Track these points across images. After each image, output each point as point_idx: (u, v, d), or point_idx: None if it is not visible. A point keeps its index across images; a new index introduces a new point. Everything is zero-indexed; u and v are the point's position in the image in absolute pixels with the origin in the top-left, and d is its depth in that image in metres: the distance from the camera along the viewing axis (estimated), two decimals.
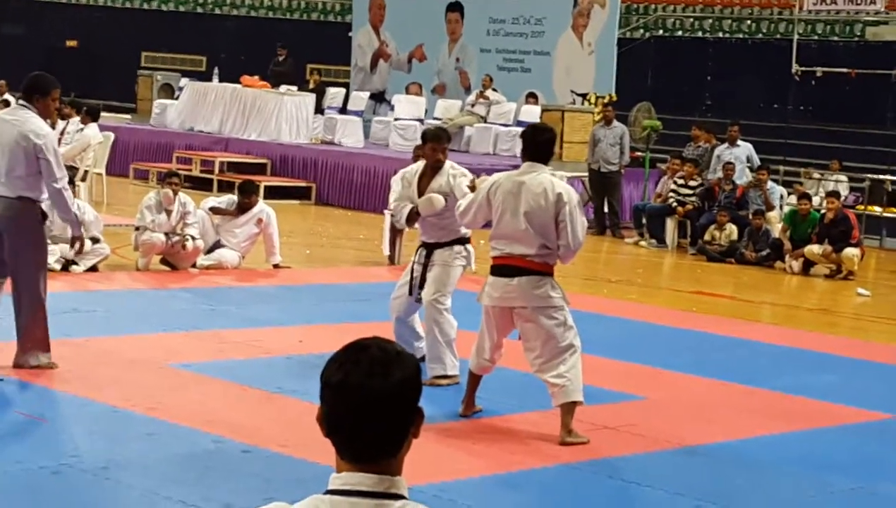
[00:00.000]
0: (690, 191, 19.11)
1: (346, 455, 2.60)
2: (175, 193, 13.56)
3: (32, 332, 8.83)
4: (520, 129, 22.87)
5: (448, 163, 9.30)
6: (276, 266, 14.16)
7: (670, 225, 19.15)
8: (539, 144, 8.10)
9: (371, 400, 2.57)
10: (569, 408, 7.90)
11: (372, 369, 2.58)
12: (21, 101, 8.86)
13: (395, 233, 15.05)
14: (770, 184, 19.05)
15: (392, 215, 15.08)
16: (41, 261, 8.99)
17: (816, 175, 21.62)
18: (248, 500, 6.20)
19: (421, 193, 9.27)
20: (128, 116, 26.67)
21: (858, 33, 25.32)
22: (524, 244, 7.87)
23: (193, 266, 13.68)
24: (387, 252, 15.20)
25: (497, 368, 9.60)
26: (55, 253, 12.88)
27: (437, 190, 9.14)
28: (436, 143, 9.29)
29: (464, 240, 9.26)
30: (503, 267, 7.94)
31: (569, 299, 8.06)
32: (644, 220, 19.53)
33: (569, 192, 7.93)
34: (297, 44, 28.10)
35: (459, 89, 26.58)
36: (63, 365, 8.95)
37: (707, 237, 18.30)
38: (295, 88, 24.64)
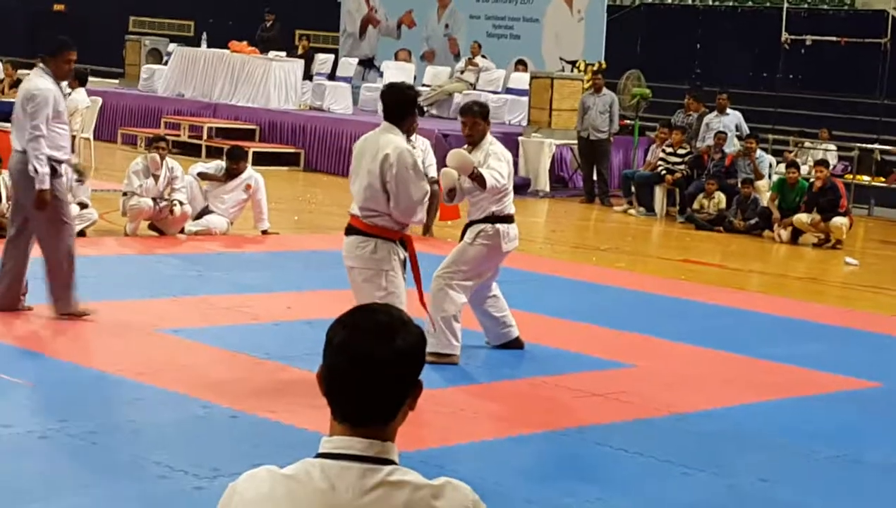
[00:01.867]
0: (679, 160, 19.11)
1: (339, 417, 2.60)
2: (162, 158, 13.51)
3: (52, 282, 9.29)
4: (510, 97, 23.03)
5: (488, 139, 8.97)
6: (264, 232, 14.13)
7: (659, 193, 19.16)
8: (391, 104, 8.00)
9: (371, 363, 2.56)
10: None
11: (376, 333, 2.58)
12: (40, 64, 9.44)
13: None
14: (759, 152, 19.04)
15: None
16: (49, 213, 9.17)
17: (807, 144, 21.62)
18: (236, 465, 6.19)
19: None
20: (116, 81, 26.57)
21: (848, 2, 25.27)
22: (356, 203, 7.86)
23: (181, 231, 13.65)
24: None
25: (483, 335, 9.61)
26: None
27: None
28: (462, 116, 9.12)
29: (494, 219, 8.94)
30: (347, 226, 7.97)
31: (396, 264, 7.75)
32: (633, 188, 19.53)
33: (398, 154, 7.67)
34: (285, 9, 27.99)
35: (448, 56, 26.50)
36: (51, 331, 8.93)
37: (696, 205, 18.31)
38: (283, 54, 24.56)
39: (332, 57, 25.66)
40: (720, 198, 18.13)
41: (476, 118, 8.96)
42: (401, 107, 7.94)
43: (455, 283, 8.87)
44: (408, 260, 7.97)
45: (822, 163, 17.94)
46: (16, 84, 22.21)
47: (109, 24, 30.44)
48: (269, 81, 23.12)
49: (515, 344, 9.36)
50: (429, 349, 8.65)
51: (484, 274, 9.02)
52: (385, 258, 7.76)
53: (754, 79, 24.36)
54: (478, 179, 8.71)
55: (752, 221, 17.61)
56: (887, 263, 16.36)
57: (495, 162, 8.81)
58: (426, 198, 7.91)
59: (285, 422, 7.14)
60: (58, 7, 32.28)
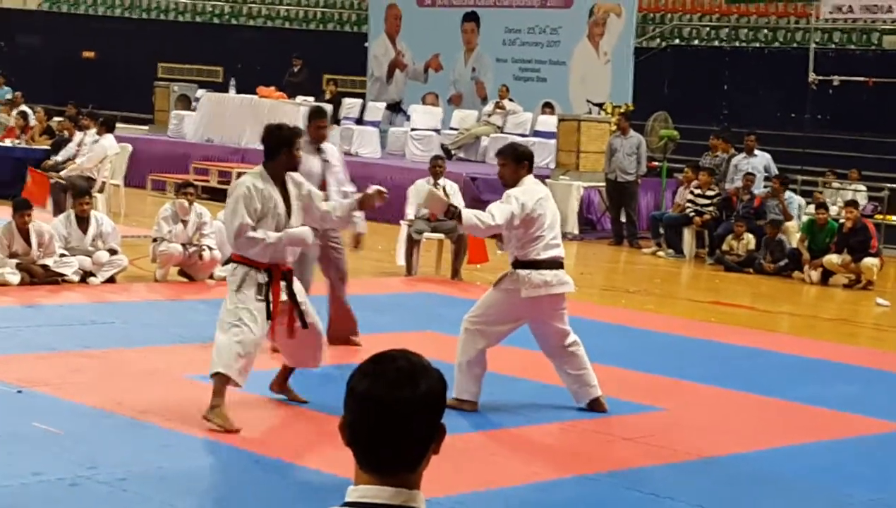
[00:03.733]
0: (708, 201, 19.07)
1: (365, 466, 2.59)
2: (190, 203, 13.57)
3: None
4: (537, 140, 23.05)
5: (525, 180, 8.70)
6: None
7: (688, 235, 19.11)
8: (263, 143, 8.54)
9: (396, 411, 2.55)
10: (217, 383, 7.99)
11: (398, 380, 2.57)
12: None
13: (412, 244, 15.04)
14: (788, 194, 18.99)
15: (409, 226, 15.13)
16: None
17: (836, 184, 21.55)
18: None
19: None
20: (145, 127, 26.72)
21: (875, 42, 25.26)
22: None
23: (211, 277, 13.67)
24: (400, 262, 15.17)
25: (515, 379, 9.60)
26: (73, 264, 12.91)
27: None
28: (496, 158, 9.16)
29: (517, 264, 8.64)
30: None
31: (250, 286, 8.05)
32: (661, 230, 19.49)
33: (234, 186, 8.34)
34: (313, 54, 28.14)
35: (475, 99, 26.58)
36: (80, 377, 8.95)
37: (725, 247, 18.24)
38: (311, 99, 24.65)
39: (359, 101, 25.77)
40: (749, 239, 18.07)
41: (505, 159, 8.81)
42: (269, 145, 8.44)
43: (474, 328, 8.71)
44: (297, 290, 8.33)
45: (852, 203, 17.87)
46: (46, 131, 22.34)
47: (138, 70, 30.66)
48: (298, 126, 23.17)
49: (596, 405, 8.87)
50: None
51: (508, 321, 8.74)
52: (238, 278, 8.11)
53: (782, 119, 24.34)
54: (457, 218, 8.56)
55: (782, 263, 17.53)
56: None
57: (496, 203, 8.68)
58: (243, 232, 8.06)
59: (312, 467, 7.12)
60: (87, 54, 32.52)
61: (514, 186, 8.71)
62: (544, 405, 9.13)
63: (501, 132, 23.71)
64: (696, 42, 27.29)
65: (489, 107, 24.70)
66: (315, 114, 10.91)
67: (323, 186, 10.18)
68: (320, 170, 10.43)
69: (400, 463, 2.58)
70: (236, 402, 8.65)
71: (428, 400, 2.58)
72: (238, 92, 25.09)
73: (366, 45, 28.88)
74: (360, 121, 24.81)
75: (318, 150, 10.53)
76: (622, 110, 22.33)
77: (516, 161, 8.79)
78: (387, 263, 15.82)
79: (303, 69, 27.40)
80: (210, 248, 13.48)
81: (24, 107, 24.18)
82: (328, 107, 23.96)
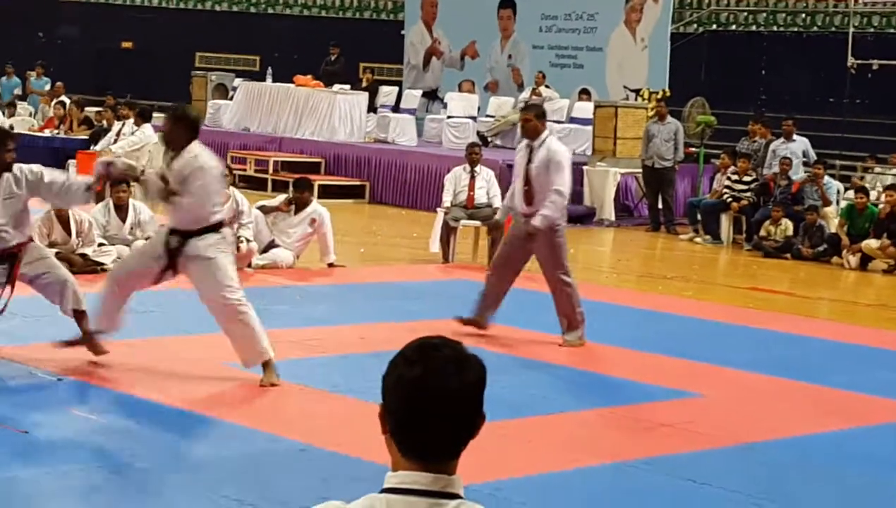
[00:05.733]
0: (745, 187, 19.00)
1: (408, 454, 2.60)
2: (227, 186, 13.58)
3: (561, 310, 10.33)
4: (574, 126, 23.01)
5: (191, 149, 8.66)
6: (330, 265, 14.18)
7: (725, 220, 19.05)
8: None
9: (445, 399, 2.57)
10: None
11: (447, 369, 2.58)
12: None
13: (448, 231, 15.04)
14: (826, 179, 18.89)
15: (446, 213, 15.14)
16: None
17: (878, 169, 21.42)
18: (305, 499, 6.21)
19: None
20: None
21: None
22: None
23: (248, 266, 13.72)
24: (434, 249, 15.16)
25: (553, 366, 9.60)
26: (112, 253, 12.98)
27: None
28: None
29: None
30: None
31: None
32: (699, 216, 19.44)
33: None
34: (349, 42, 28.16)
35: (512, 86, 26.55)
36: (120, 366, 9.01)
37: (762, 232, 18.17)
38: (348, 87, 24.70)
39: (396, 89, 25.77)
40: (787, 225, 17.99)
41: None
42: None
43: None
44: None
45: (892, 187, 17.77)
46: (84, 121, 22.48)
47: (176, 60, 30.77)
48: (334, 114, 23.26)
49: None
50: None
51: None
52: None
53: (821, 104, 24.19)
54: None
55: (821, 248, 17.44)
56: None
57: None
58: None
59: (353, 455, 7.14)
60: (125, 44, 32.66)
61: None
62: (581, 391, 9.14)
63: None
64: (734, 27, 27.15)
65: (526, 94, 24.65)
66: (524, 109, 10.85)
67: (528, 183, 10.18)
68: (524, 165, 10.25)
69: (442, 451, 2.60)
70: (281, 391, 8.69)
71: (472, 389, 2.60)
72: (275, 81, 25.14)
73: (402, 32, 28.88)
74: (396, 108, 24.83)
75: (530, 148, 10.28)
76: (659, 96, 22.26)
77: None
78: (422, 250, 15.85)
79: (339, 57, 27.43)
80: (248, 240, 13.51)
81: (63, 98, 24.33)
82: (364, 96, 24.07)
